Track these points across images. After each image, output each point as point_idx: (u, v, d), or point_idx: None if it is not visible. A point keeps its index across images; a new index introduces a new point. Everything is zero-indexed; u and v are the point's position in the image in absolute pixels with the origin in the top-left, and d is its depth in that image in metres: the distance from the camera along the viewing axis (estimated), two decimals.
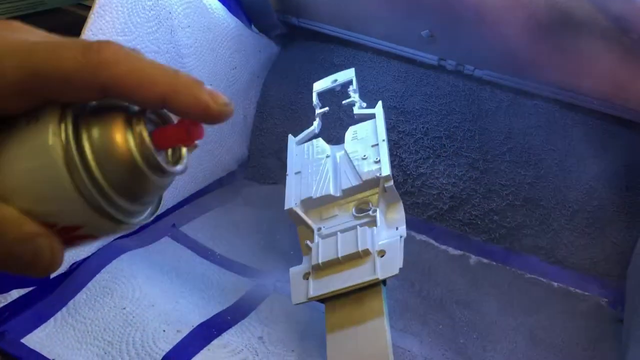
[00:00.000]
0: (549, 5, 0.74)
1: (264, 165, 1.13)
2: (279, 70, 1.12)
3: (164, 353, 0.63)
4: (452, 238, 1.01)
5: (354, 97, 0.84)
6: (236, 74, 0.99)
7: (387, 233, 0.68)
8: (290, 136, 0.84)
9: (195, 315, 0.71)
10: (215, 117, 0.27)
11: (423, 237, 1.01)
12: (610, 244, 0.93)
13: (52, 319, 0.68)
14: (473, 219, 1.00)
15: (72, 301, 0.70)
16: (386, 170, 0.71)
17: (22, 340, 0.64)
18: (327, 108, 0.85)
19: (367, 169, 0.73)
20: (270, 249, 0.94)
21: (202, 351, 0.65)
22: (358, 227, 0.68)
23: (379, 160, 0.73)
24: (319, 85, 0.88)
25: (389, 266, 0.63)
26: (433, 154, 1.02)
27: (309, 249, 0.69)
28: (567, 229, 0.95)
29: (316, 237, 0.70)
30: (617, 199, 0.93)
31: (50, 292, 0.70)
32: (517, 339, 0.82)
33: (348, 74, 0.87)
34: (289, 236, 0.97)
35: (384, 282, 0.64)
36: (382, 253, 0.64)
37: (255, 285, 0.82)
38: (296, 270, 0.69)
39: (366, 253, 0.65)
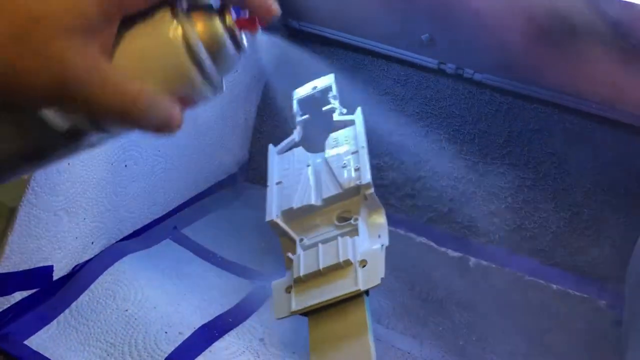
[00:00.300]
0: (548, 9, 0.74)
1: (264, 167, 1.13)
2: (279, 73, 1.12)
3: (166, 355, 0.64)
4: (451, 240, 1.01)
5: (334, 103, 0.82)
6: (237, 77, 1.00)
7: (370, 242, 0.67)
8: (270, 146, 0.82)
9: (196, 317, 0.71)
10: (272, 12, 0.35)
11: (423, 240, 1.02)
12: (609, 247, 0.94)
13: (55, 321, 0.68)
14: (473, 221, 1.00)
15: (74, 303, 0.70)
16: (366, 177, 0.69)
17: (25, 342, 0.64)
18: (307, 116, 0.83)
19: (347, 176, 0.71)
20: (271, 250, 0.94)
21: (203, 353, 0.65)
22: (339, 237, 0.67)
23: (359, 168, 0.71)
24: (299, 93, 0.86)
25: (371, 277, 0.62)
26: (433, 157, 1.02)
27: (291, 261, 0.68)
28: (566, 232, 0.96)
29: (298, 249, 0.69)
30: (616, 202, 0.94)
31: (53, 294, 0.70)
32: (516, 341, 0.83)
33: (327, 80, 0.85)
34: None
35: (366, 292, 0.63)
36: (363, 263, 0.63)
37: (256, 287, 0.82)
38: (278, 284, 0.68)
39: (347, 263, 0.63)
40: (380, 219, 0.70)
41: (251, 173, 1.13)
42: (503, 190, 0.99)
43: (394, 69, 1.04)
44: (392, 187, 1.03)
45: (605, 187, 0.94)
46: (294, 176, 0.76)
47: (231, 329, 0.71)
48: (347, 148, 0.75)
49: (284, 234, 0.72)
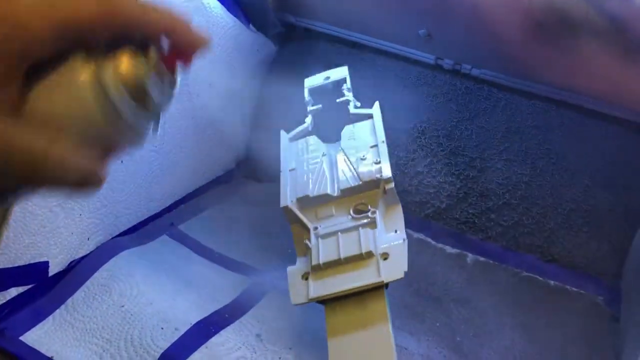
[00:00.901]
0: (545, 4, 0.74)
1: (262, 163, 1.13)
2: (277, 69, 1.12)
3: (162, 351, 0.64)
4: (449, 236, 1.01)
5: (348, 95, 0.81)
6: (234, 73, 0.99)
7: (387, 236, 0.67)
8: (282, 132, 0.82)
9: (193, 313, 0.71)
10: (201, 44, 0.34)
11: (420, 236, 1.02)
12: (607, 243, 0.94)
13: (50, 317, 0.68)
14: (470, 217, 1.00)
15: (70, 299, 0.70)
16: (387, 172, 0.69)
17: (21, 338, 0.64)
18: (320, 106, 0.83)
19: (367, 169, 0.70)
20: (268, 247, 0.94)
21: (200, 349, 0.65)
22: (360, 228, 0.66)
23: (379, 162, 0.71)
24: (311, 82, 0.85)
25: (394, 269, 0.62)
26: (430, 153, 1.02)
27: (307, 248, 0.67)
28: (563, 228, 0.96)
29: (313, 237, 0.68)
30: (613, 198, 0.94)
31: (48, 290, 0.70)
32: (513, 337, 0.83)
33: (341, 72, 0.84)
34: (287, 234, 0.97)
35: (386, 286, 0.62)
36: (385, 256, 0.63)
37: (253, 283, 0.82)
38: (294, 270, 0.67)
39: (369, 255, 0.63)
40: (398, 214, 0.70)
41: (249, 169, 1.13)
42: (500, 187, 0.99)
43: (390, 64, 1.04)
44: None
45: (603, 183, 0.94)
46: (309, 164, 0.75)
47: (228, 325, 0.71)
48: (366, 141, 0.75)
49: (297, 220, 0.71)
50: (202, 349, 0.65)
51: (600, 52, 0.77)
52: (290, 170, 0.75)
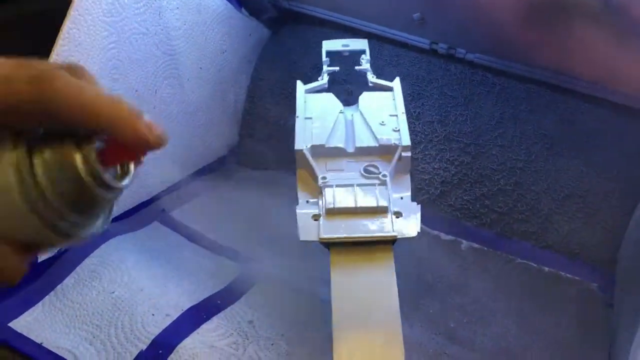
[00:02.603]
0: None
1: (254, 150, 1.12)
2: (270, 54, 1.11)
3: (152, 337, 0.63)
4: (443, 223, 1.01)
5: (366, 66, 0.84)
6: (226, 57, 0.98)
7: (398, 198, 0.68)
8: (299, 82, 0.83)
9: (184, 299, 0.70)
10: (151, 146, 0.30)
11: None
12: (601, 229, 0.93)
13: (40, 303, 0.67)
14: (464, 204, 1.00)
15: (60, 285, 0.69)
16: (407, 140, 0.72)
17: (10, 324, 0.64)
18: (337, 68, 0.85)
19: (386, 134, 0.72)
20: (261, 234, 0.93)
21: (191, 335, 0.65)
22: (377, 184, 0.67)
23: (398, 130, 0.73)
24: (329, 45, 0.88)
25: (406, 227, 0.63)
26: (425, 139, 1.01)
27: (319, 193, 0.67)
28: (557, 214, 0.95)
29: (321, 184, 0.68)
30: (608, 184, 0.93)
31: (38, 277, 0.69)
32: (507, 324, 0.82)
33: (361, 44, 0.87)
34: (279, 221, 0.96)
35: (393, 243, 0.63)
36: (398, 214, 0.64)
37: (245, 270, 0.81)
38: (302, 210, 0.67)
39: (383, 210, 0.64)
40: (406, 182, 0.71)
41: (241, 156, 1.12)
42: (495, 173, 0.98)
43: (385, 49, 1.03)
44: None
45: (598, 169, 0.93)
46: (325, 117, 0.76)
47: (220, 311, 0.71)
48: (385, 110, 0.77)
49: (307, 166, 0.72)
50: (194, 335, 0.65)
51: (594, 34, 0.76)
52: (306, 118, 0.76)
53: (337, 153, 0.72)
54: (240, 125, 1.11)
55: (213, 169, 1.05)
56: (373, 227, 0.63)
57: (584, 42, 0.80)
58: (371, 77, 0.83)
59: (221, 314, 0.70)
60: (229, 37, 0.97)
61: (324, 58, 0.87)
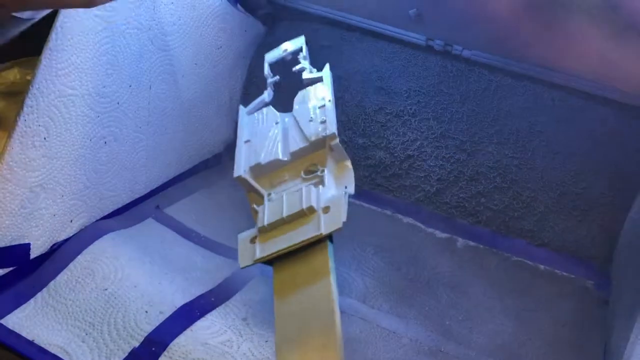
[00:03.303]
0: None
1: None
2: (265, 51, 1.10)
3: (146, 334, 0.63)
4: (439, 221, 1.01)
5: (304, 63, 0.83)
6: (221, 53, 0.97)
7: (334, 192, 0.67)
8: (240, 106, 0.83)
9: (178, 296, 0.70)
10: None
11: (410, 220, 1.01)
12: (597, 227, 0.93)
13: (32, 300, 0.66)
14: (460, 201, 1.00)
15: (52, 282, 0.69)
16: (331, 128, 0.70)
17: (1, 321, 0.63)
18: (277, 77, 0.85)
19: (314, 129, 0.71)
20: None
21: (184, 332, 0.64)
22: (303, 187, 0.67)
23: (325, 120, 0.72)
24: (270, 56, 0.88)
25: (333, 221, 0.62)
26: (420, 136, 1.01)
27: (257, 213, 0.68)
28: (553, 212, 0.95)
29: (266, 203, 0.69)
30: (604, 181, 0.93)
31: (30, 273, 0.69)
32: (503, 321, 0.82)
33: (298, 42, 0.87)
34: None
35: (330, 239, 0.63)
36: (327, 210, 0.63)
37: (239, 267, 0.81)
38: (244, 236, 0.68)
39: (311, 211, 0.64)
40: (347, 169, 0.70)
41: None
42: (491, 170, 0.98)
43: (381, 45, 1.02)
44: (379, 166, 1.02)
45: (594, 166, 0.93)
46: (263, 134, 0.76)
47: (213, 308, 0.70)
48: (315, 103, 0.76)
49: (252, 189, 0.72)
50: (187, 332, 0.64)
51: (593, 31, 0.76)
52: (245, 142, 0.76)
53: (276, 166, 0.72)
54: (235, 122, 1.11)
55: (208, 166, 1.05)
56: (302, 233, 0.63)
57: (581, 39, 0.79)
58: (305, 74, 0.82)
59: (215, 312, 0.70)
60: (225, 33, 0.96)
61: (266, 71, 0.86)
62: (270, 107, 0.81)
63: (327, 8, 1.04)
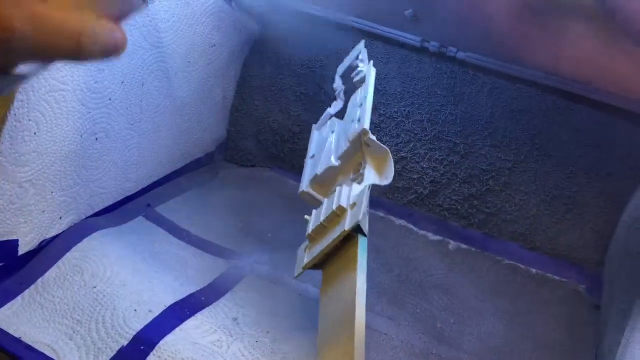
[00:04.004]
0: None
1: (243, 147, 1.11)
2: (260, 50, 1.09)
3: (135, 333, 0.62)
4: (431, 223, 1.01)
5: (362, 67, 0.79)
6: (215, 52, 0.97)
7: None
8: (313, 126, 0.82)
9: (168, 295, 0.69)
10: None
11: (402, 222, 1.01)
12: (589, 231, 0.93)
13: (19, 297, 0.66)
14: (453, 204, 0.99)
15: (40, 279, 0.68)
16: (363, 124, 0.68)
17: None
18: (343, 86, 0.82)
19: (352, 129, 0.70)
20: (247, 231, 0.92)
21: (174, 331, 0.63)
22: (337, 187, 0.66)
23: (360, 119, 0.70)
24: (341, 68, 0.84)
25: (354, 216, 0.61)
26: (414, 138, 1.01)
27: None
28: (546, 215, 0.95)
29: (313, 212, 0.69)
30: (597, 185, 0.93)
31: (18, 270, 0.68)
32: (495, 325, 0.82)
33: (359, 48, 0.82)
34: (266, 219, 0.96)
35: (361, 233, 0.61)
36: (353, 206, 0.62)
37: (231, 266, 0.80)
38: (301, 247, 0.69)
39: (342, 210, 0.63)
40: (386, 162, 0.67)
41: (229, 152, 1.11)
42: (484, 173, 0.98)
43: (376, 46, 1.02)
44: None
45: (587, 170, 0.93)
46: (323, 145, 0.76)
47: (204, 308, 0.70)
48: (357, 102, 0.74)
49: (315, 201, 0.72)
50: (177, 331, 0.64)
51: (588, 35, 0.76)
52: (311, 158, 0.76)
53: (331, 173, 0.71)
54: (229, 121, 1.10)
55: (200, 165, 1.04)
56: (335, 233, 0.62)
57: (576, 43, 0.79)
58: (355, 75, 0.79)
59: (205, 311, 0.69)
60: (219, 31, 0.96)
61: (335, 84, 0.82)
62: (334, 118, 0.79)
63: (322, 8, 1.03)
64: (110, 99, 0.75)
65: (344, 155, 0.70)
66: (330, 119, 0.80)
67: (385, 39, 1.01)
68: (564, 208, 0.94)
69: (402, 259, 0.93)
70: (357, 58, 0.82)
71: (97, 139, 0.74)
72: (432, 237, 0.99)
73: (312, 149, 0.78)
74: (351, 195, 0.64)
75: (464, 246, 0.97)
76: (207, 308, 0.70)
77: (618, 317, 0.72)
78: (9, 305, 0.65)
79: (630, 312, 0.67)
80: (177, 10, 0.84)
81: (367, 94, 0.73)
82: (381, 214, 1.01)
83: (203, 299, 0.71)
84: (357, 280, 0.58)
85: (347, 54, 1.00)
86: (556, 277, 0.93)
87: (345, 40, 1.05)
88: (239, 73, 1.09)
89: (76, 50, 0.29)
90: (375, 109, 1.01)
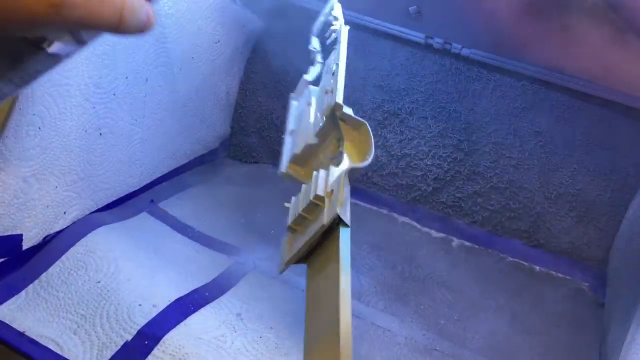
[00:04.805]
0: None
1: (246, 143, 1.11)
2: (263, 47, 1.09)
3: (139, 327, 0.62)
4: (435, 220, 1.00)
5: (335, 25, 0.72)
6: (219, 47, 0.97)
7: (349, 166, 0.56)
8: (291, 94, 0.73)
9: (172, 290, 0.69)
10: None
11: (406, 219, 1.01)
12: (593, 228, 0.93)
13: (23, 292, 0.66)
14: (457, 201, 0.99)
15: (44, 274, 0.68)
16: (337, 98, 0.59)
17: None
18: (319, 50, 0.73)
19: (326, 102, 0.61)
20: (250, 227, 0.92)
21: (178, 326, 0.63)
22: (314, 172, 0.57)
23: (332, 90, 0.61)
24: (315, 27, 0.75)
25: (332, 207, 0.52)
26: (418, 135, 1.01)
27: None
28: (549, 212, 0.95)
29: (292, 199, 0.60)
30: (601, 183, 0.93)
31: (22, 265, 0.68)
32: (497, 321, 0.82)
33: (330, 4, 0.75)
34: (269, 215, 0.96)
35: (342, 224, 0.51)
36: (330, 194, 0.54)
37: (234, 262, 0.80)
38: (283, 239, 0.60)
39: (320, 200, 0.54)
40: (364, 136, 0.59)
41: (232, 149, 1.11)
42: (488, 170, 0.97)
43: (380, 43, 1.02)
44: (376, 165, 1.02)
45: (591, 167, 0.93)
46: (302, 118, 0.67)
47: (207, 303, 0.70)
48: (331, 71, 0.65)
49: (298, 182, 0.63)
50: (181, 326, 0.64)
51: (593, 31, 0.75)
52: (290, 134, 0.68)
53: (311, 152, 0.63)
54: (232, 118, 1.10)
55: (203, 161, 1.04)
56: (311, 229, 0.54)
57: (581, 39, 0.79)
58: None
59: (209, 306, 0.69)
60: (222, 27, 0.95)
61: (311, 45, 0.74)
62: (310, 85, 0.70)
63: (326, 4, 1.03)
64: (114, 94, 0.74)
65: (321, 132, 0.62)
66: (307, 86, 0.70)
67: (389, 35, 1.01)
68: (567, 205, 0.94)
69: (406, 255, 0.92)
70: (330, 14, 0.73)
71: (101, 134, 0.74)
72: (435, 234, 0.99)
73: (291, 122, 0.69)
74: (329, 182, 0.56)
75: (467, 243, 0.97)
76: (211, 303, 0.70)
77: (622, 314, 0.72)
78: (12, 299, 0.65)
79: (634, 309, 0.67)
80: (181, 6, 0.84)
81: (338, 60, 0.64)
82: (384, 211, 1.01)
83: (207, 294, 0.71)
84: (340, 280, 0.49)
85: (352, 50, 0.99)
86: (559, 275, 0.93)
87: (349, 36, 1.05)
88: (242, 69, 1.09)
89: (117, 23, 0.30)
90: (377, 106, 1.01)
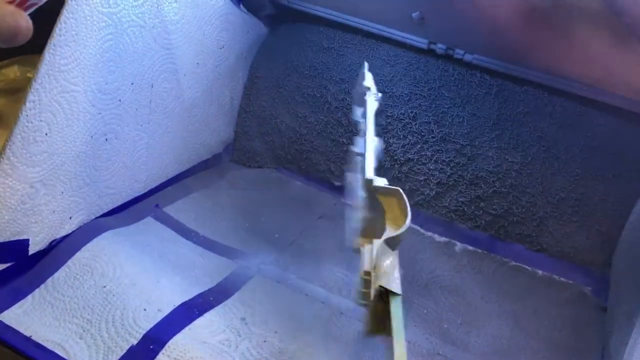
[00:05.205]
0: None
1: (250, 148, 1.11)
2: (267, 52, 1.10)
3: (144, 332, 0.62)
4: (438, 225, 1.01)
5: (369, 94, 0.74)
6: (223, 53, 0.97)
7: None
8: (346, 174, 0.73)
9: (177, 295, 0.69)
10: None
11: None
12: (596, 232, 0.93)
13: (29, 296, 0.66)
14: (459, 205, 1.00)
15: (50, 279, 0.68)
16: (366, 173, 0.62)
17: None
18: (363, 120, 0.73)
19: (361, 180, 0.63)
20: (254, 231, 0.93)
21: (183, 330, 0.64)
22: (361, 249, 0.59)
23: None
24: (356, 98, 0.78)
25: (375, 280, 0.55)
26: (421, 140, 1.01)
27: None
28: (552, 217, 0.95)
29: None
30: (604, 187, 0.93)
31: (28, 269, 0.68)
32: (501, 325, 0.82)
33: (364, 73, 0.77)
34: (273, 219, 0.96)
35: (392, 294, 0.55)
36: (375, 268, 0.56)
37: (239, 267, 0.81)
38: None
39: (368, 274, 0.56)
40: (399, 201, 0.61)
41: (236, 153, 1.12)
42: (491, 175, 0.98)
43: (383, 48, 1.02)
44: (379, 170, 1.01)
45: (594, 172, 0.93)
46: (358, 192, 0.66)
47: (212, 307, 0.70)
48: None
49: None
50: (186, 330, 0.64)
51: (595, 37, 0.76)
52: (353, 208, 0.66)
53: (368, 222, 0.63)
54: (236, 122, 1.11)
55: (208, 166, 1.05)
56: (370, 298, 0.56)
57: (583, 45, 0.79)
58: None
59: (213, 311, 0.69)
60: (227, 33, 0.96)
61: (355, 116, 0.76)
62: (358, 157, 0.71)
63: (329, 10, 1.04)
64: (120, 100, 0.75)
65: (369, 204, 0.63)
66: (355, 157, 0.71)
67: (392, 41, 1.01)
68: (570, 210, 0.94)
69: (409, 260, 0.93)
70: (362, 84, 0.75)
71: (106, 140, 0.75)
72: (438, 238, 0.99)
73: (351, 195, 0.68)
74: (373, 255, 0.57)
75: (470, 247, 0.97)
76: (216, 308, 0.70)
77: (624, 318, 0.72)
78: (19, 304, 0.65)
79: (636, 313, 0.67)
80: (186, 12, 0.85)
81: (368, 127, 0.67)
82: None
83: (211, 298, 0.72)
84: (395, 352, 0.54)
85: (355, 56, 1.00)
86: (562, 279, 0.93)
87: (352, 42, 1.06)
88: (246, 74, 1.09)
89: None
90: (380, 111, 1.02)
